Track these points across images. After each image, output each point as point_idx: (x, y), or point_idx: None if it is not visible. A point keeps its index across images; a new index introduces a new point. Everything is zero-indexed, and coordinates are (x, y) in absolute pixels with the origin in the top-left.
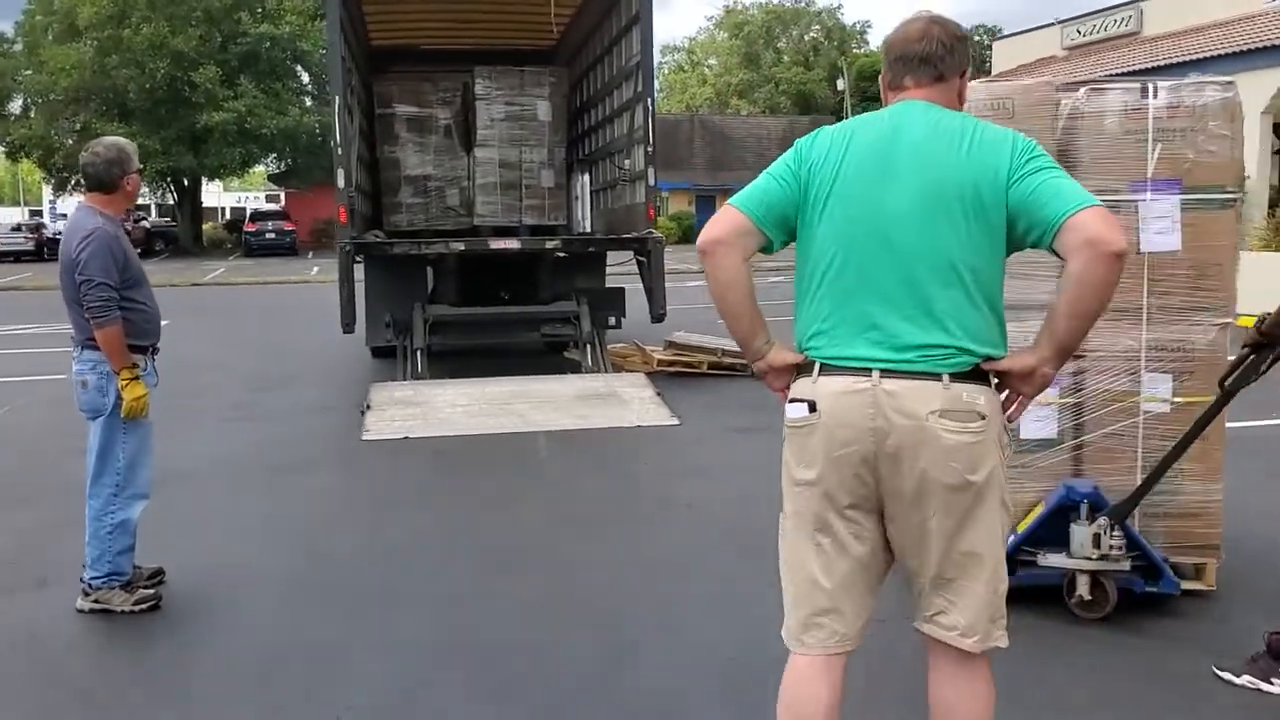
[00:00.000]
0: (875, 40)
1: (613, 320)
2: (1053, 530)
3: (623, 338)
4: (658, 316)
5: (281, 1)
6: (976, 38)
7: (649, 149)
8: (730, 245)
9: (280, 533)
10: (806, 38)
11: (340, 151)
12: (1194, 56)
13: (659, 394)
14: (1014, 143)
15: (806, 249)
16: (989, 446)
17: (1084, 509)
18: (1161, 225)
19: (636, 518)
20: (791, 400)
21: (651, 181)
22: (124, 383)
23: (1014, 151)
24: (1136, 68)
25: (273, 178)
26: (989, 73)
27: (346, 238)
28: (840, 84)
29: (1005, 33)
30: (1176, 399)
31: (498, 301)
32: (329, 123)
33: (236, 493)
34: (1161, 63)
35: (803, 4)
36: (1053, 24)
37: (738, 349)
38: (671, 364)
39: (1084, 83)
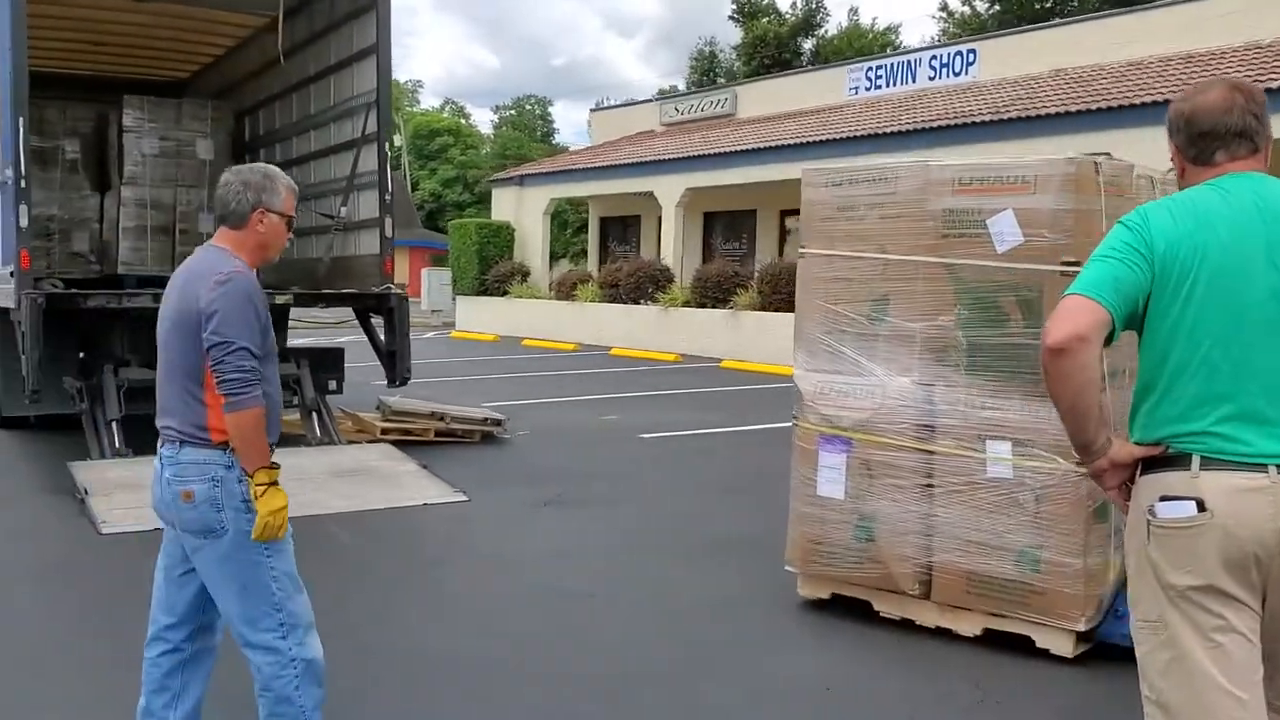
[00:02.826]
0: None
1: (333, 385)
2: None
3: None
4: (402, 379)
5: None
6: (528, 106)
7: (387, 196)
8: (1093, 342)
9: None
10: None
11: (24, 184)
12: (791, 141)
13: (425, 466)
14: None
15: (1166, 336)
16: None
17: None
18: None
19: (544, 623)
20: (1165, 498)
21: (388, 232)
22: (259, 488)
23: None
24: (744, 147)
25: None
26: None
27: (29, 286)
28: (397, 139)
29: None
30: None
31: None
32: None
33: None
34: (765, 145)
35: None
36: (651, 100)
37: (462, 413)
38: (391, 432)
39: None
